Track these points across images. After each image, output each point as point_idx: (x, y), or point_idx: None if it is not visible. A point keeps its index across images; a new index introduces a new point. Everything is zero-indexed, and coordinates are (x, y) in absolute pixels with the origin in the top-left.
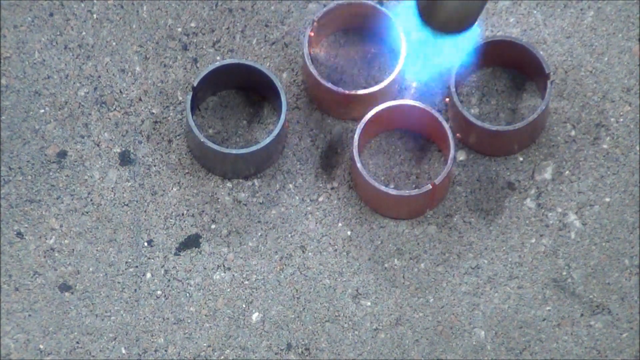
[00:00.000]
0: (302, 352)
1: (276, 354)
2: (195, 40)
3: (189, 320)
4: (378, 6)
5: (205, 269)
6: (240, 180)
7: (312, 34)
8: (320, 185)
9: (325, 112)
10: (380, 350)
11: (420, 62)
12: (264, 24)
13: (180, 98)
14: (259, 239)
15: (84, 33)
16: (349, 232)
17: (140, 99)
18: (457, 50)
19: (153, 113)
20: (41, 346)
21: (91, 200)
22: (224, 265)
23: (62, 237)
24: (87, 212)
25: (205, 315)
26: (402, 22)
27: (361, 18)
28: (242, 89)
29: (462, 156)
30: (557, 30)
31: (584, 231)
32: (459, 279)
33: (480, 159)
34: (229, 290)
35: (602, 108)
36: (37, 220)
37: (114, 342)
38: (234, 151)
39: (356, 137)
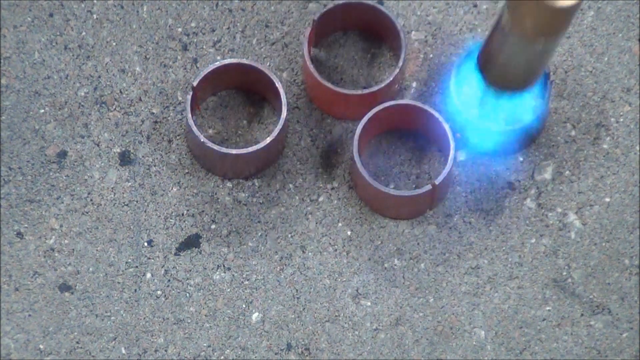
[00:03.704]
0: (302, 352)
1: (276, 354)
2: (195, 40)
3: (189, 320)
4: (378, 6)
5: (205, 269)
6: (240, 180)
7: (312, 33)
8: (320, 185)
9: (325, 112)
10: (380, 350)
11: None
12: (264, 24)
13: (180, 98)
14: (259, 239)
15: (84, 33)
16: (349, 232)
17: (140, 99)
18: (520, 112)
19: (153, 113)
20: (41, 346)
21: (91, 200)
22: (224, 265)
23: (62, 237)
24: (87, 212)
25: (205, 315)
26: (462, 78)
27: (361, 18)
28: (242, 89)
29: (462, 156)
30: None
31: (584, 231)
32: (459, 279)
33: (480, 159)
34: (229, 290)
35: (602, 108)
36: (37, 220)
37: (114, 342)
38: (234, 151)
39: (356, 137)
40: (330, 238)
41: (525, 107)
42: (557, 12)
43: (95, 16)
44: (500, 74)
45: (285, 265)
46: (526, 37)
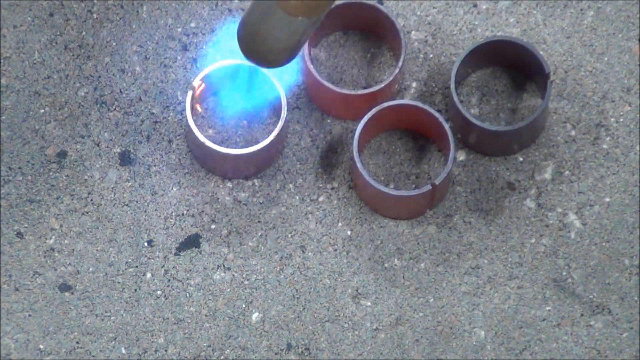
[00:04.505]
0: (302, 352)
1: (276, 354)
2: (195, 40)
3: (189, 320)
4: (378, 6)
5: (205, 269)
6: (240, 180)
7: (313, 34)
8: (320, 185)
9: (325, 112)
10: (380, 350)
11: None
12: None
13: (180, 98)
14: (259, 239)
15: (84, 33)
16: (349, 232)
17: (140, 99)
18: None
19: (153, 113)
20: (41, 346)
21: (91, 200)
22: (224, 265)
23: (62, 237)
24: (87, 212)
25: (205, 315)
26: (225, 53)
27: (361, 18)
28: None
29: (462, 156)
30: (557, 30)
31: (584, 231)
32: (459, 279)
33: (480, 159)
34: (229, 290)
35: (602, 108)
36: (37, 220)
37: (114, 342)
38: (234, 151)
39: (356, 137)
40: (330, 238)
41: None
42: None
43: (95, 16)
44: (257, 47)
45: (285, 265)
46: (290, 13)
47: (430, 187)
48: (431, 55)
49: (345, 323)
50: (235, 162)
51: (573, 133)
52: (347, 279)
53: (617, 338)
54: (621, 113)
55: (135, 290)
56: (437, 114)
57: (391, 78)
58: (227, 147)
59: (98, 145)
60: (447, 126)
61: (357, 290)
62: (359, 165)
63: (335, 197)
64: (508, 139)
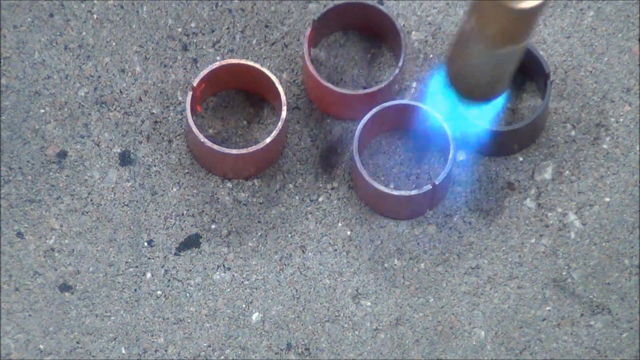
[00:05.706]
0: (302, 352)
1: (276, 354)
2: (195, 40)
3: (189, 320)
4: (378, 6)
5: (205, 269)
6: (240, 180)
7: (312, 33)
8: (320, 185)
9: (325, 112)
10: (380, 350)
11: (459, 130)
12: (264, 24)
13: (180, 98)
14: (259, 239)
15: (84, 33)
16: (349, 232)
17: (140, 99)
18: (483, 118)
19: (153, 113)
20: (41, 346)
21: (91, 200)
22: (224, 265)
23: (62, 237)
24: (87, 212)
25: (205, 315)
26: (433, 90)
27: (361, 18)
28: (242, 89)
29: (462, 156)
30: (557, 30)
31: (584, 231)
32: (459, 279)
33: (480, 159)
34: (229, 290)
35: (602, 108)
36: (37, 220)
37: (114, 342)
38: (234, 151)
39: (356, 137)
40: (330, 238)
41: (487, 116)
42: (518, 15)
43: (95, 16)
44: (467, 85)
45: (285, 265)
46: (490, 44)
47: (430, 187)
48: (431, 55)
49: (345, 323)
50: (235, 162)
51: (573, 133)
52: (347, 279)
53: (617, 338)
54: (621, 113)
55: (135, 290)
56: (437, 114)
57: (391, 78)
58: (227, 147)
59: (98, 145)
60: (447, 126)
61: (357, 290)
62: (359, 165)
63: (335, 197)
64: (508, 139)
